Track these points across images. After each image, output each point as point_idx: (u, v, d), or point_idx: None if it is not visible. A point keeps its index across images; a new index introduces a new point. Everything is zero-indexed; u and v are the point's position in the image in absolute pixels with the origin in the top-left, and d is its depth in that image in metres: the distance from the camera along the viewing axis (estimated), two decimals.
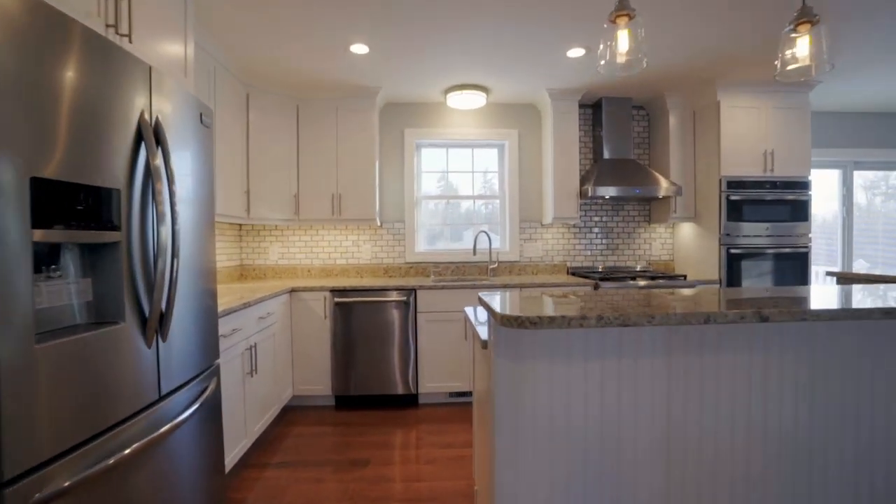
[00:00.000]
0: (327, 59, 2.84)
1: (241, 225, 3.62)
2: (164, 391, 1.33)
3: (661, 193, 3.33)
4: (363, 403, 3.14)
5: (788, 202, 3.33)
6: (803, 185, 3.33)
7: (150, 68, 1.31)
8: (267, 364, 2.56)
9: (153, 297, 1.23)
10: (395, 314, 3.07)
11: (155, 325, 1.26)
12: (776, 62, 1.51)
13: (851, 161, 4.12)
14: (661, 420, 1.23)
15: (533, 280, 3.28)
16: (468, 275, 3.75)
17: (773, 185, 3.32)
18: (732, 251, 3.28)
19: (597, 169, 3.49)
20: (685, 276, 3.26)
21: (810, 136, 3.35)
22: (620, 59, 1.40)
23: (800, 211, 3.34)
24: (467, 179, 3.90)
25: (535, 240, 3.83)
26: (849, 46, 2.78)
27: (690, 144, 3.58)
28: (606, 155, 3.61)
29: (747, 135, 3.29)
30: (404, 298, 3.06)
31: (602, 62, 1.44)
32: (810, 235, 3.34)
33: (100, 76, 1.09)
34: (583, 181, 3.53)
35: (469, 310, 1.93)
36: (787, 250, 3.31)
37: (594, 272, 3.69)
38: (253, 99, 3.10)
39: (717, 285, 3.28)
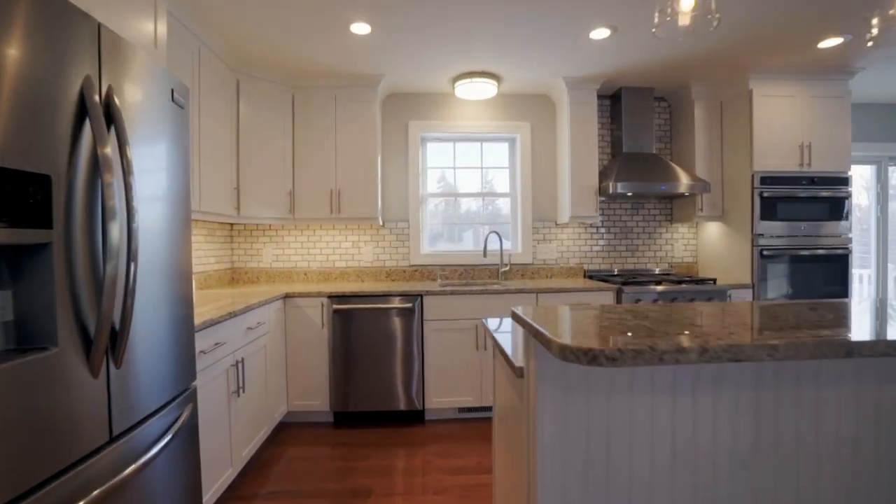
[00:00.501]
0: (325, 41, 2.58)
1: (232, 224, 3.35)
2: (116, 431, 1.07)
3: (688, 190, 3.07)
4: (364, 420, 2.88)
5: (826, 199, 3.07)
6: (842, 181, 3.07)
7: (99, 26, 1.04)
8: (257, 380, 2.29)
9: (101, 313, 0.97)
10: (400, 322, 2.80)
11: (104, 347, 0.99)
12: (870, 30, 1.24)
13: (886, 156, 3.86)
14: (746, 466, 0.96)
15: (549, 285, 3.01)
16: (477, 279, 3.48)
17: (811, 180, 3.05)
18: (766, 253, 3.01)
19: (617, 164, 3.23)
20: (714, 280, 3.00)
21: (850, 127, 3.09)
22: (683, 20, 1.14)
23: (838, 209, 3.07)
24: (469, 177, 3.63)
25: (548, 241, 3.56)
26: None
27: (717, 138, 3.32)
28: (626, 149, 3.35)
29: (782, 126, 3.03)
30: (409, 305, 2.79)
31: (656, 21, 1.17)
32: (850, 235, 3.08)
33: (24, 27, 0.83)
34: (602, 177, 3.26)
35: (491, 322, 1.66)
36: (823, 252, 3.04)
37: (612, 276, 3.42)
38: (244, 86, 2.84)
39: (750, 289, 3.02)
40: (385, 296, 2.78)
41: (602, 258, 3.59)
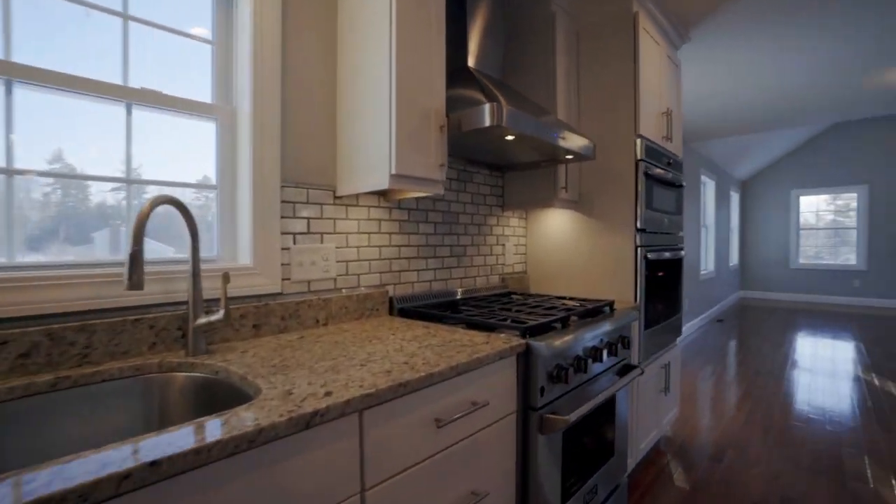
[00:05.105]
0: None
1: None
2: None
3: (582, 150, 1.76)
4: None
5: (677, 188, 2.43)
6: (680, 167, 2.51)
7: None
8: None
9: None
10: None
11: None
12: None
13: None
14: None
15: (351, 372, 1.04)
16: (114, 357, 1.06)
17: (670, 162, 2.33)
18: (650, 256, 2.06)
19: (472, 82, 1.58)
20: (611, 305, 1.80)
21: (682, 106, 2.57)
22: None
23: (680, 201, 2.50)
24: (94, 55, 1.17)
25: (315, 235, 1.53)
26: None
27: (574, 83, 2.19)
28: (475, 64, 1.75)
29: (652, 83, 2.16)
30: None
31: None
32: (681, 234, 2.56)
33: None
34: (455, 101, 1.53)
35: None
36: (669, 255, 2.38)
37: (439, 305, 1.76)
38: None
39: (638, 312, 2.00)
40: None
41: (417, 272, 1.86)
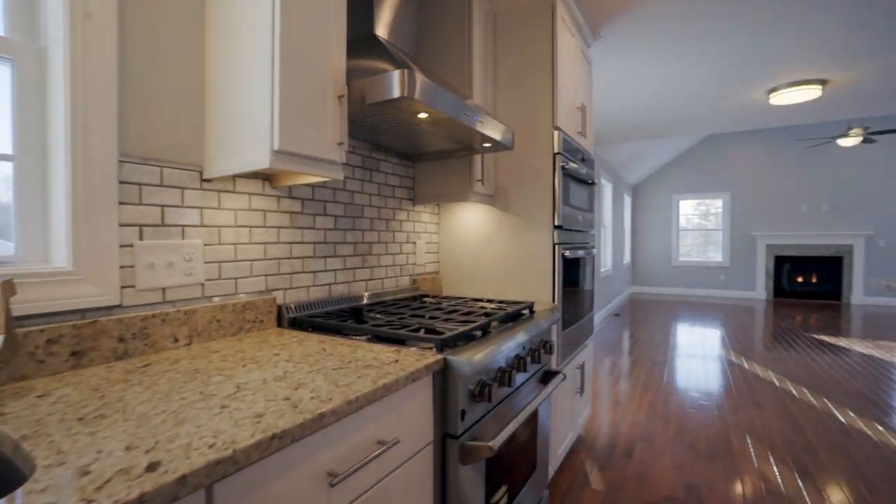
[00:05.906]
0: None
1: None
2: None
3: (502, 135, 1.60)
4: None
5: (590, 185, 2.41)
6: (593, 165, 2.51)
7: None
8: None
9: None
10: None
11: None
12: None
13: None
14: None
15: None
16: None
17: (583, 158, 2.29)
18: (567, 255, 1.99)
19: (380, 49, 1.34)
20: (531, 308, 1.67)
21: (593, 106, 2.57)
22: None
23: (592, 198, 2.49)
24: None
25: (174, 228, 1.17)
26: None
27: (490, 66, 2.04)
28: (382, 32, 1.51)
29: (569, 75, 2.09)
30: None
31: None
32: (593, 232, 2.56)
33: None
34: (358, 72, 1.27)
35: None
36: (583, 253, 2.36)
37: (341, 312, 1.50)
38: None
39: (559, 314, 1.91)
40: None
41: (313, 273, 1.57)
